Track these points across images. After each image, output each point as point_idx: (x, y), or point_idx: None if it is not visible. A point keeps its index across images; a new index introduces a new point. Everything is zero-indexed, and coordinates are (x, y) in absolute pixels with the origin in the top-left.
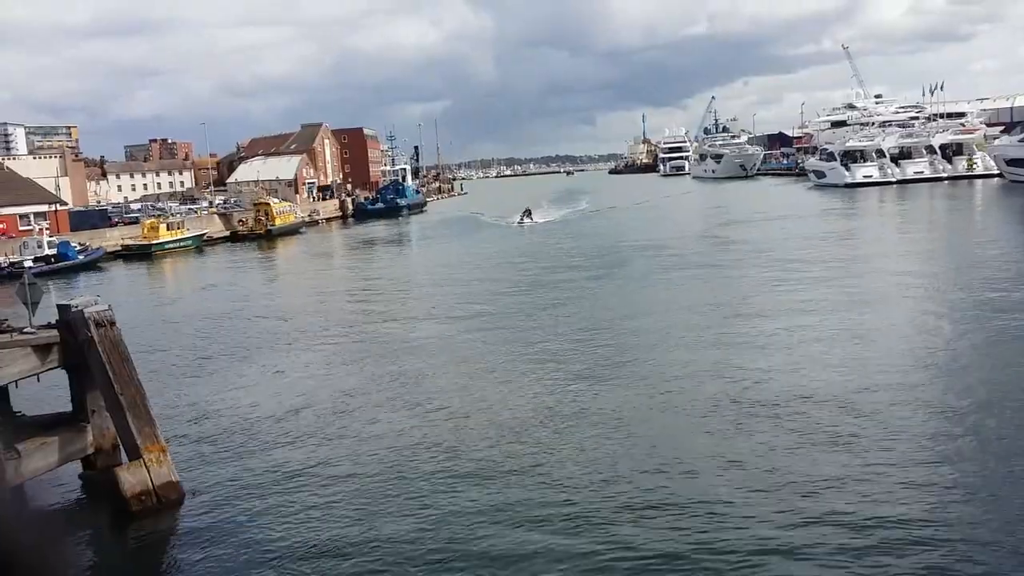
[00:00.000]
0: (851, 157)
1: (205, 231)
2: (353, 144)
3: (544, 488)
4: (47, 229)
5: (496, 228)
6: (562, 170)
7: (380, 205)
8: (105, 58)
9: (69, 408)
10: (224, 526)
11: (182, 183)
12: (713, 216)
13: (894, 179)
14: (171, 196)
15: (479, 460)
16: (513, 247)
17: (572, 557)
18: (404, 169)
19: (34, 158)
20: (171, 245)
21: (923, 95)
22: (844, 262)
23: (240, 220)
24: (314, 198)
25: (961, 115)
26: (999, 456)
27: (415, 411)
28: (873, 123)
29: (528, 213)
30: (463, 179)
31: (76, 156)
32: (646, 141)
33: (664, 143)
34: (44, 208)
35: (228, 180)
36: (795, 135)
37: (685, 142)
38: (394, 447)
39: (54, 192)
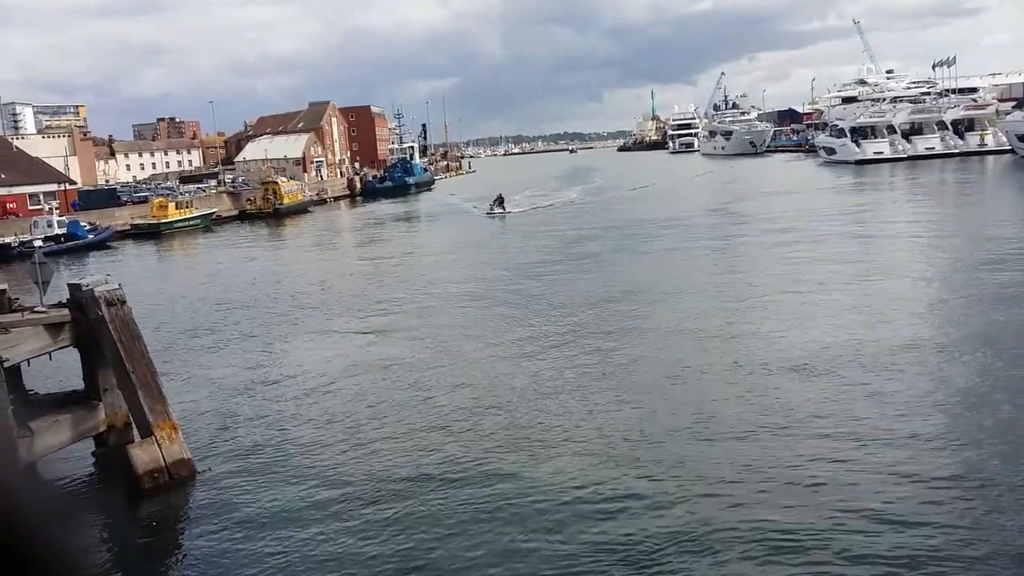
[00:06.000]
0: (862, 133)
1: (214, 210)
2: (361, 122)
3: (573, 464)
4: (57, 209)
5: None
6: (568, 148)
7: (388, 183)
8: (113, 37)
9: (81, 386)
10: (235, 503)
11: (190, 162)
12: (726, 192)
13: (905, 155)
14: (179, 176)
15: (501, 437)
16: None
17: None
18: (412, 147)
19: (43, 137)
20: (180, 224)
21: (932, 70)
22: (855, 236)
23: (248, 199)
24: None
25: (973, 90)
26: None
27: (430, 388)
28: (884, 99)
29: (500, 201)
30: (471, 157)
31: (84, 135)
32: (655, 118)
33: (673, 120)
34: (53, 187)
35: (236, 159)
36: (805, 111)
37: (694, 119)
38: (409, 423)
39: (63, 171)
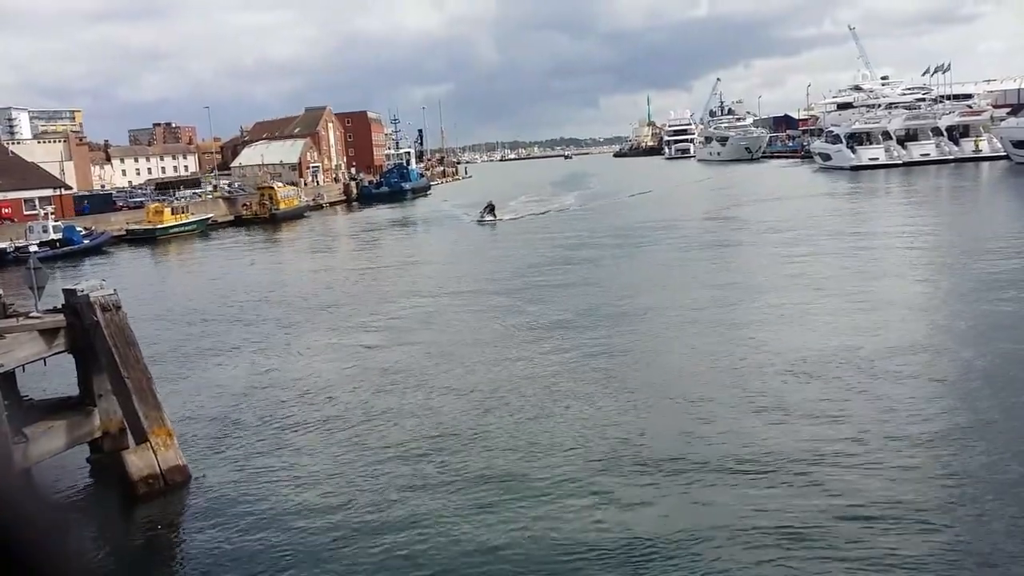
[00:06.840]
0: (857, 139)
1: (210, 215)
2: (357, 127)
3: (571, 463)
4: (52, 214)
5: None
6: (564, 153)
7: (384, 189)
8: (114, 41)
9: (76, 392)
10: (230, 509)
11: (186, 167)
12: (723, 198)
13: (900, 161)
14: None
15: (498, 445)
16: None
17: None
18: (408, 153)
19: (39, 142)
20: (176, 229)
21: (924, 76)
22: (850, 242)
23: (244, 204)
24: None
25: (968, 97)
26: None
27: (424, 393)
28: (879, 105)
29: (490, 209)
30: (467, 163)
31: (80, 140)
32: (651, 124)
33: (669, 125)
34: (49, 192)
35: (232, 164)
36: (801, 117)
37: (690, 124)
38: (403, 428)
39: (59, 176)
